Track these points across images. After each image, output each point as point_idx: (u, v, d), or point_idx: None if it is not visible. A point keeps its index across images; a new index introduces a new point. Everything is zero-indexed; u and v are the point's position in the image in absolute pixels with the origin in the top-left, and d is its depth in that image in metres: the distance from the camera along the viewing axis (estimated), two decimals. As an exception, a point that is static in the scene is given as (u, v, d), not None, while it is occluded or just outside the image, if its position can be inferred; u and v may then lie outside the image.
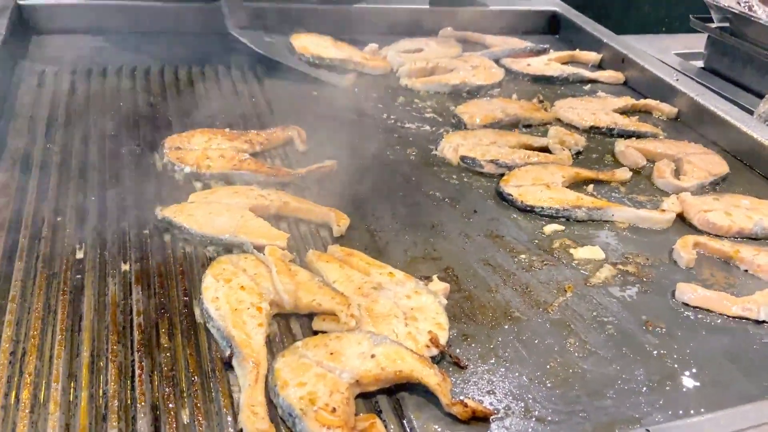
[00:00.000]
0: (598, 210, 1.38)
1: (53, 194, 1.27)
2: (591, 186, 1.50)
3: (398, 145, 1.60)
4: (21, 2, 1.93)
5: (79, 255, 1.13)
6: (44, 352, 0.94)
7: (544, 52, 2.18)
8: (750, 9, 2.04)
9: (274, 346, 0.99)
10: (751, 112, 1.81)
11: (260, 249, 1.14)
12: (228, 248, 1.17)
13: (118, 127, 1.53)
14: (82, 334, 0.98)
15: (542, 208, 1.38)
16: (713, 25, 2.13)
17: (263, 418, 0.84)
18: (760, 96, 1.88)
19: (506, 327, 1.09)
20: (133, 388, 0.90)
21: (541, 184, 1.44)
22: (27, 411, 0.86)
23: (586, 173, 1.52)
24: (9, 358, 0.93)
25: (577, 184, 1.51)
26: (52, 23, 1.97)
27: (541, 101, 1.87)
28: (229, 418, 0.87)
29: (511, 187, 1.43)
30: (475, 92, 1.91)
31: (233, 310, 0.99)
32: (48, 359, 0.93)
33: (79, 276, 1.08)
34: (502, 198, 1.43)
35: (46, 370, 0.92)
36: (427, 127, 1.70)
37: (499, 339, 1.06)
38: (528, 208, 1.39)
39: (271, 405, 0.89)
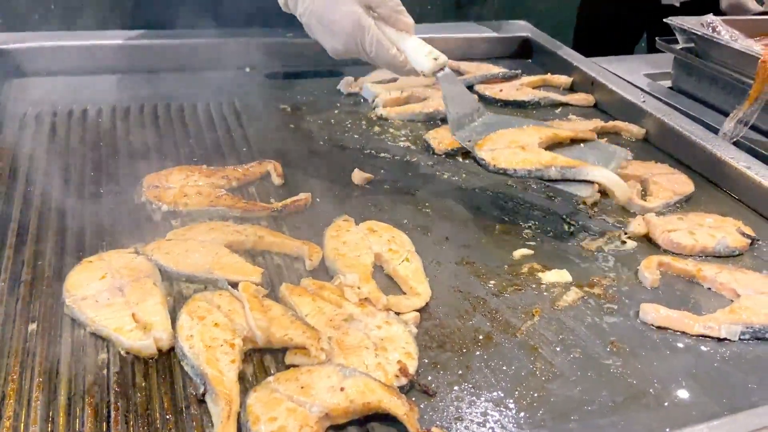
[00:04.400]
0: (571, 169, 1.37)
1: (33, 236, 1.30)
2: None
3: (372, 174, 1.64)
4: (2, 46, 1.98)
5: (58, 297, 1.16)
6: (23, 396, 0.97)
7: (516, 77, 2.23)
8: (714, 30, 2.10)
9: (247, 382, 1.02)
10: (716, 131, 1.87)
11: (235, 285, 1.17)
12: (205, 285, 1.21)
13: (97, 167, 1.56)
14: (59, 376, 1.00)
15: (515, 170, 1.36)
16: (678, 47, 2.20)
17: (235, 454, 0.87)
18: (726, 114, 1.93)
19: (476, 353, 1.12)
20: (108, 429, 0.92)
21: (516, 147, 1.42)
22: (5, 455, 0.88)
23: (565, 133, 1.53)
24: (-12, 403, 0.95)
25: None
26: (33, 65, 2.00)
27: (512, 126, 1.91)
28: (203, 455, 0.90)
29: (485, 151, 1.41)
30: (448, 119, 1.95)
31: (207, 347, 1.02)
32: (26, 403, 0.96)
33: (56, 318, 1.11)
34: (476, 162, 1.43)
35: (24, 413, 0.94)
36: (400, 156, 1.75)
37: (468, 365, 1.09)
38: (500, 172, 1.38)
39: (244, 440, 0.91)
